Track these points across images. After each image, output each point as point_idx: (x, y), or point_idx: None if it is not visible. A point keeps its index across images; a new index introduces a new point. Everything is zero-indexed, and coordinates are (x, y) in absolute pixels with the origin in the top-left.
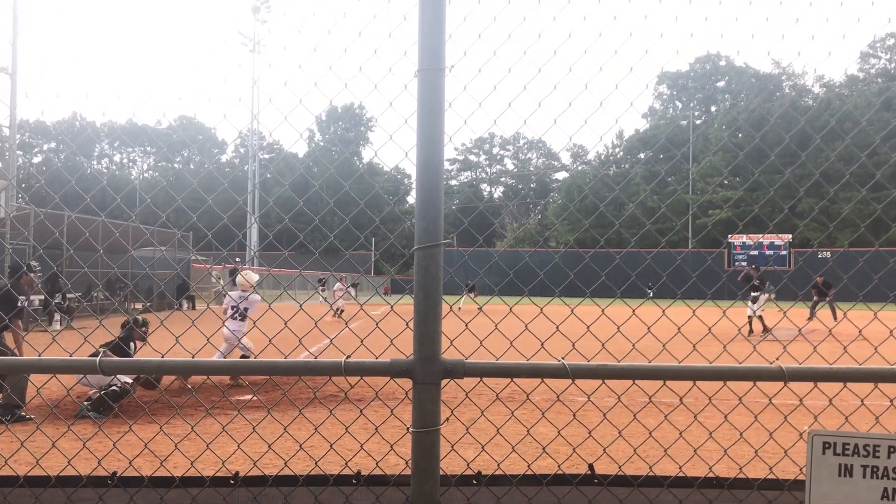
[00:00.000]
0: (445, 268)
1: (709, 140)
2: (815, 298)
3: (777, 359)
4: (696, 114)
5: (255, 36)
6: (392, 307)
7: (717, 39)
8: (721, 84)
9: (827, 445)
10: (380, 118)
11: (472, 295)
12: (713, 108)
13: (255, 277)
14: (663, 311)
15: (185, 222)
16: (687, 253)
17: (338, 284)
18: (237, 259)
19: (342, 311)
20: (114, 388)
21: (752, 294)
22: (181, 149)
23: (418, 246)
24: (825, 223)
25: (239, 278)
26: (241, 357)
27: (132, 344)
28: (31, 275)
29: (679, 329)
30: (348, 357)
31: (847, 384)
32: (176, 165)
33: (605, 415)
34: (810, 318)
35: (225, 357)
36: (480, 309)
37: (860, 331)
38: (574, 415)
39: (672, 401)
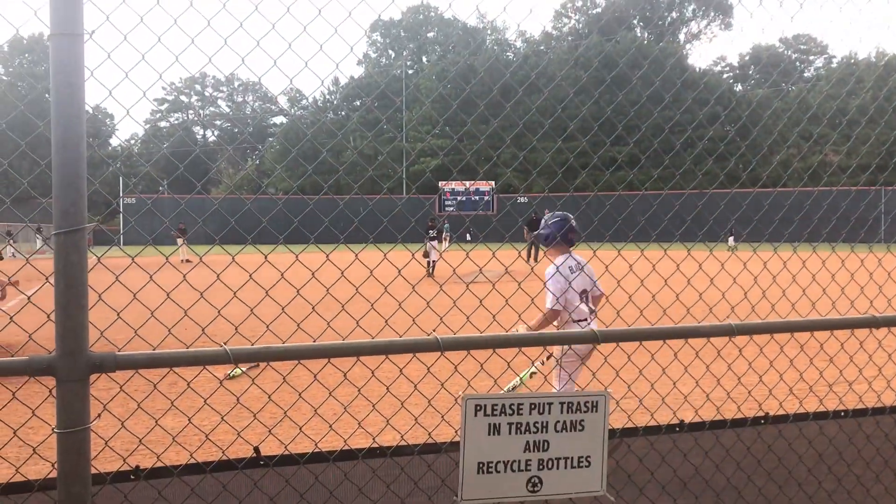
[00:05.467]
0: (161, 217)
1: (420, 89)
2: (529, 239)
3: (434, 330)
4: (409, 63)
5: None
6: (29, 298)
7: None
8: (431, 35)
9: (478, 407)
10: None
11: (182, 241)
12: (424, 59)
13: None
14: (384, 255)
15: None
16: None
17: None
18: None
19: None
20: None
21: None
22: None
23: (57, 231)
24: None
25: None
26: None
27: None
28: None
29: (371, 272)
30: None
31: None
32: None
33: (269, 396)
34: (534, 260)
35: None
36: (201, 259)
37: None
38: (238, 399)
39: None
